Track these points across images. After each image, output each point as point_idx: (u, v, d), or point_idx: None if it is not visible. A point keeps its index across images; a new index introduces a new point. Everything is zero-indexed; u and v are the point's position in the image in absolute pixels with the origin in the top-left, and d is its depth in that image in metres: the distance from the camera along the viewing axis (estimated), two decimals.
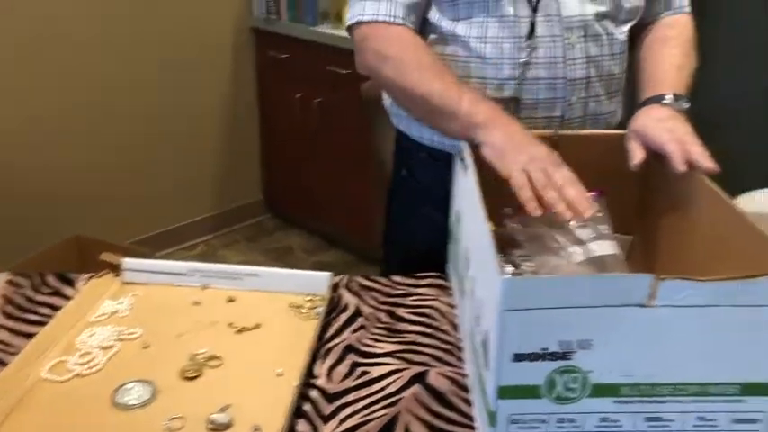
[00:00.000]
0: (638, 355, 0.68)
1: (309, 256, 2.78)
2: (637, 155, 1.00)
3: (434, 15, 1.15)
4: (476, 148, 0.99)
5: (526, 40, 1.11)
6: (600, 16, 1.13)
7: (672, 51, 1.18)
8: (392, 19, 1.11)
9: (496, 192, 0.92)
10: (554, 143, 1.03)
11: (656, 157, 0.99)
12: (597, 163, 1.04)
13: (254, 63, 2.82)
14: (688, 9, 1.26)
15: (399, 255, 1.38)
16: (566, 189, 0.90)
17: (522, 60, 1.11)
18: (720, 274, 0.66)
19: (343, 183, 2.63)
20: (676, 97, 1.08)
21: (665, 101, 1.08)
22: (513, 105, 1.13)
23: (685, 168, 0.94)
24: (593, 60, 1.14)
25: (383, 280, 1.10)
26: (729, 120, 2.92)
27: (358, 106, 1.71)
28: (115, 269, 1.08)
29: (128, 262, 1.08)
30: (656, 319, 0.66)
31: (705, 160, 0.93)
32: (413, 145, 1.26)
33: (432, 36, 1.17)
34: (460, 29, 1.13)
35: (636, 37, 1.23)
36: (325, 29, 2.50)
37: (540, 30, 1.11)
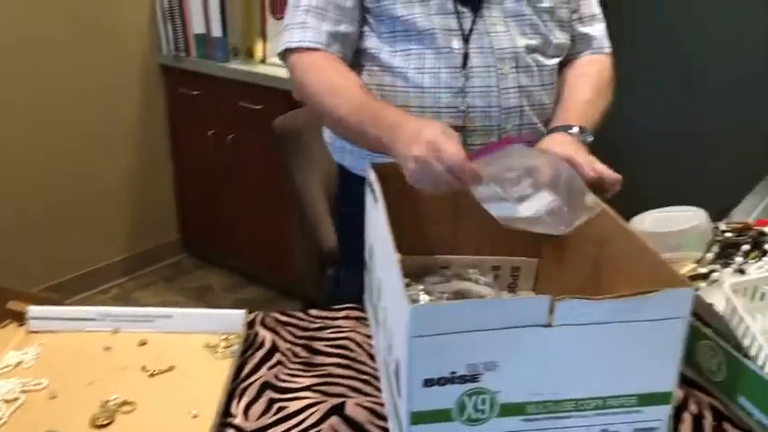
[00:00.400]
0: (541, 374, 0.71)
1: (230, 294, 2.74)
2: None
3: (374, 47, 1.20)
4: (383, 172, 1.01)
5: (461, 71, 1.16)
6: (530, 49, 1.20)
7: (585, 87, 1.26)
8: (315, 45, 1.17)
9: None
10: None
11: None
12: None
13: (165, 101, 2.79)
14: (608, 50, 1.34)
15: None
16: (451, 165, 0.93)
17: (458, 90, 1.16)
18: (619, 291, 0.70)
19: (260, 219, 2.61)
20: (581, 129, 1.15)
21: (571, 131, 1.15)
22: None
23: (594, 175, 1.01)
24: (525, 90, 1.20)
25: (300, 314, 1.10)
26: (627, 146, 3.08)
27: (272, 141, 1.71)
28: (19, 318, 1.04)
29: (33, 310, 1.04)
30: (555, 338, 0.69)
31: (610, 173, 1.01)
32: (356, 180, 1.24)
33: (373, 67, 1.21)
34: (399, 60, 1.18)
35: (560, 73, 1.30)
36: (236, 65, 2.50)
37: (474, 61, 1.17)
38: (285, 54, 1.20)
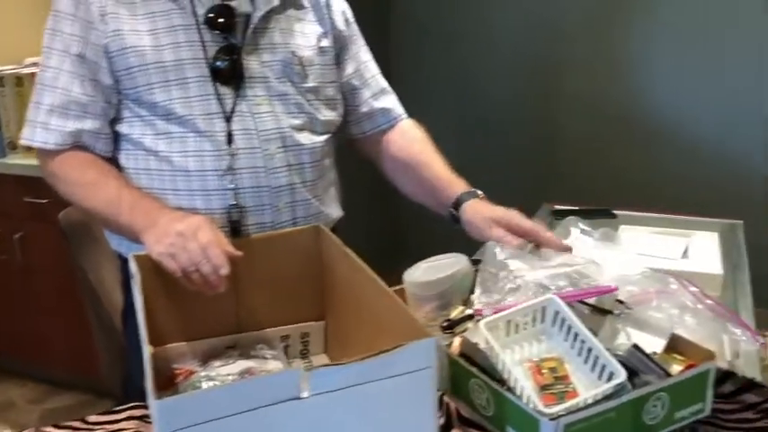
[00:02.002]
0: None
1: (37, 406, 2.50)
2: (513, 241, 1.14)
3: (137, 132, 1.18)
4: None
5: (226, 153, 1.16)
6: (297, 128, 1.22)
7: (432, 155, 1.35)
8: (60, 147, 1.16)
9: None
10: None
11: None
12: (279, 260, 1.11)
13: None
14: (405, 116, 1.42)
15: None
16: (208, 253, 0.98)
17: (224, 171, 1.16)
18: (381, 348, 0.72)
19: (61, 320, 2.43)
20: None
21: (478, 194, 1.26)
22: (222, 214, 1.17)
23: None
24: (294, 168, 1.22)
25: (77, 423, 1.03)
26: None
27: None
28: None
29: None
30: (312, 409, 0.70)
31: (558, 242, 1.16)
32: None
33: (137, 152, 1.19)
34: (162, 145, 1.16)
35: (372, 150, 1.40)
36: (16, 159, 2.36)
37: (239, 143, 1.17)
38: (36, 149, 1.19)
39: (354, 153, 1.43)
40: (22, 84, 2.32)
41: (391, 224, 3.29)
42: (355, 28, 1.39)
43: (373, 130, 1.39)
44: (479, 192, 1.27)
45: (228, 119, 1.17)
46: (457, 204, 1.26)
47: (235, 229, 1.17)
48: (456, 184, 1.29)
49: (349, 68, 1.35)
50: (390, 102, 1.41)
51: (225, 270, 0.99)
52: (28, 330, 2.54)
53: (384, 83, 1.41)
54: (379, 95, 1.39)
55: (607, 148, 2.87)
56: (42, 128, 1.16)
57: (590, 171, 2.91)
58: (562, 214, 1.82)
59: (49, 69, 1.16)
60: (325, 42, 1.29)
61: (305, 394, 0.69)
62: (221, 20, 1.15)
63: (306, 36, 1.26)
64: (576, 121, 2.89)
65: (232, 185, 1.17)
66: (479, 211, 1.22)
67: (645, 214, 1.84)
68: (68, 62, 1.15)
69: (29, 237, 2.40)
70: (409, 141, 1.38)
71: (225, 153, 1.17)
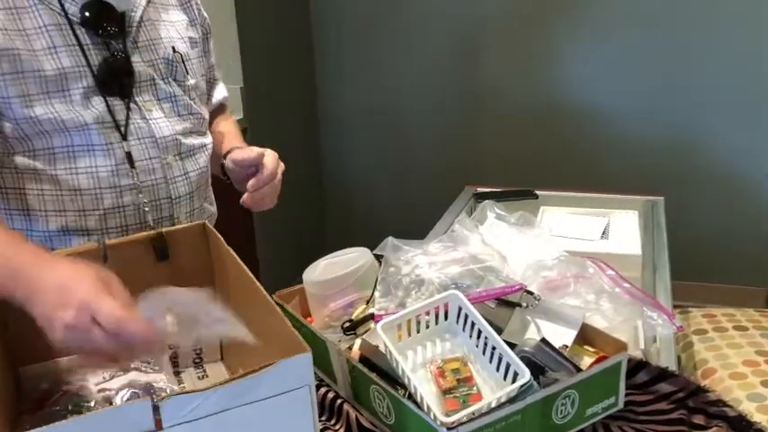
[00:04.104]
0: None
1: None
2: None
3: (8, 149, 1.01)
4: None
5: (124, 167, 1.04)
6: (187, 132, 1.12)
7: (227, 127, 1.30)
8: None
9: None
10: (103, 256, 0.97)
11: None
12: (164, 260, 1.02)
13: None
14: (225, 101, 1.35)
15: None
16: (116, 342, 0.75)
17: (121, 188, 1.04)
18: (269, 360, 0.64)
19: None
20: None
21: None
22: (119, 233, 1.06)
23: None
24: (191, 176, 1.12)
25: None
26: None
27: None
28: None
29: None
30: None
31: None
32: None
33: (14, 174, 1.03)
34: (43, 163, 1.01)
35: None
36: None
37: (136, 154, 1.05)
38: None
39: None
40: None
41: (312, 218, 3.21)
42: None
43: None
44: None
45: (123, 132, 1.04)
46: (226, 156, 1.20)
47: None
48: (234, 142, 1.24)
49: (212, 60, 1.28)
50: (222, 92, 1.34)
51: (153, 350, 0.83)
52: None
53: (218, 72, 1.34)
54: (216, 86, 1.33)
55: (528, 128, 2.84)
56: None
57: (512, 153, 2.88)
58: (483, 197, 1.77)
59: None
60: (193, 33, 1.19)
61: (163, 426, 0.60)
62: (99, 18, 1.01)
63: (176, 26, 1.15)
64: (498, 103, 2.85)
65: (130, 201, 1.06)
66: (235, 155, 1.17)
67: (566, 193, 1.80)
68: None
69: None
70: (220, 124, 1.32)
71: (122, 167, 1.04)
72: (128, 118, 1.05)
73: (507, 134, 2.87)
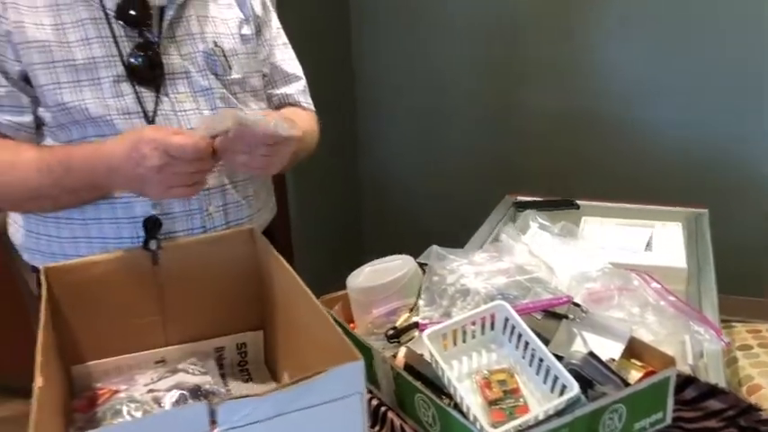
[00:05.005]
0: None
1: None
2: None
3: (46, 141, 1.08)
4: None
5: None
6: None
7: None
8: None
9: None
10: (154, 259, 1.00)
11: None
12: (210, 266, 1.03)
13: None
14: (307, 106, 1.34)
15: None
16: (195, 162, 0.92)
17: None
18: (317, 367, 0.65)
19: (8, 325, 2.32)
20: None
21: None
22: (150, 221, 1.07)
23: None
24: (225, 168, 1.13)
25: None
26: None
27: None
28: None
29: None
30: None
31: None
32: None
33: None
34: None
35: None
36: None
37: None
38: None
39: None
40: None
41: (349, 218, 3.22)
42: (271, 12, 1.31)
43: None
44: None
45: (151, 120, 1.07)
46: None
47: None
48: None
49: (261, 55, 1.27)
50: (294, 88, 1.34)
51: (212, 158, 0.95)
52: None
53: (294, 69, 1.34)
54: (284, 83, 1.32)
55: (570, 137, 2.81)
56: None
57: (553, 161, 2.85)
58: (524, 206, 1.76)
59: None
60: (247, 30, 1.21)
61: (216, 429, 0.61)
62: (134, 12, 1.06)
63: (226, 23, 1.18)
64: (540, 110, 2.83)
65: None
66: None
67: (608, 204, 1.78)
68: None
69: None
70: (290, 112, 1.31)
71: None
72: (156, 108, 1.08)
73: (547, 142, 2.85)
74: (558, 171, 2.81)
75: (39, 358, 0.71)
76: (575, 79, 2.75)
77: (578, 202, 1.79)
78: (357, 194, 3.20)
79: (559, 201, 1.80)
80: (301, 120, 1.25)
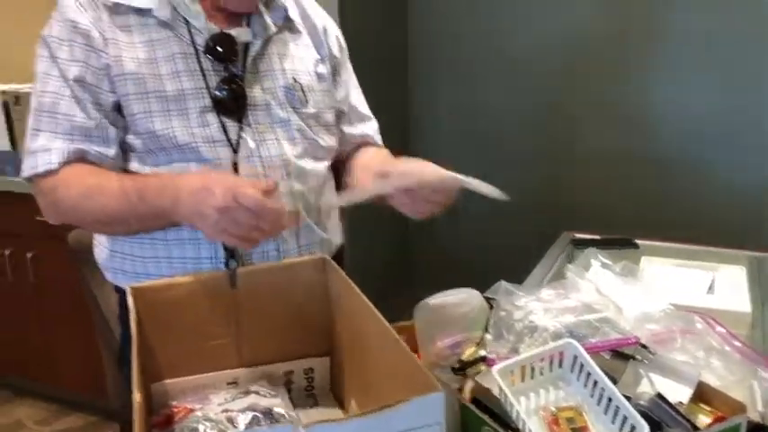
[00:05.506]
0: None
1: (43, 427, 2.48)
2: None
3: (134, 165, 1.14)
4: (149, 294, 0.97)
5: None
6: (299, 155, 1.19)
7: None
8: (61, 163, 1.10)
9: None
10: (232, 282, 1.04)
11: None
12: (284, 291, 1.07)
13: None
14: (381, 145, 1.40)
15: None
16: (260, 214, 0.94)
17: None
18: (390, 395, 0.67)
19: (74, 339, 2.41)
20: None
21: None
22: (223, 248, 1.13)
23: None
24: (298, 194, 1.19)
25: None
26: None
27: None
28: None
29: None
30: None
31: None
32: None
33: None
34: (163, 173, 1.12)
35: (340, 167, 1.35)
36: None
37: (243, 170, 1.13)
38: (33, 181, 1.14)
39: None
40: None
41: (399, 248, 3.24)
42: (346, 54, 1.37)
43: (348, 153, 1.37)
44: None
45: (234, 148, 1.13)
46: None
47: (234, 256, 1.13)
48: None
49: (339, 94, 1.34)
50: (370, 128, 1.40)
51: (286, 219, 0.98)
52: (40, 349, 2.52)
53: (366, 110, 1.40)
54: (360, 122, 1.38)
55: (628, 174, 2.80)
56: (44, 151, 1.11)
57: (611, 198, 2.84)
58: (583, 244, 1.76)
59: (47, 95, 1.11)
60: (323, 69, 1.28)
61: None
62: (221, 48, 1.13)
63: (303, 61, 1.25)
64: (596, 146, 2.83)
65: None
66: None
67: (668, 244, 1.77)
68: (68, 88, 1.11)
69: (40, 256, 2.38)
70: (368, 154, 1.37)
71: None
72: (239, 137, 1.14)
73: (604, 179, 2.84)
74: (615, 210, 2.80)
75: (135, 376, 0.75)
76: (632, 119, 2.74)
77: (637, 241, 1.79)
78: (409, 227, 3.23)
79: (619, 239, 1.80)
80: (384, 158, 1.33)
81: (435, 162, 1.11)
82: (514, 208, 2.95)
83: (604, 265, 1.40)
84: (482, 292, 1.12)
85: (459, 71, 2.97)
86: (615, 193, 2.83)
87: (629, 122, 2.75)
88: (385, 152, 1.38)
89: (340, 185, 1.35)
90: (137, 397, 0.71)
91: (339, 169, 1.37)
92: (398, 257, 3.21)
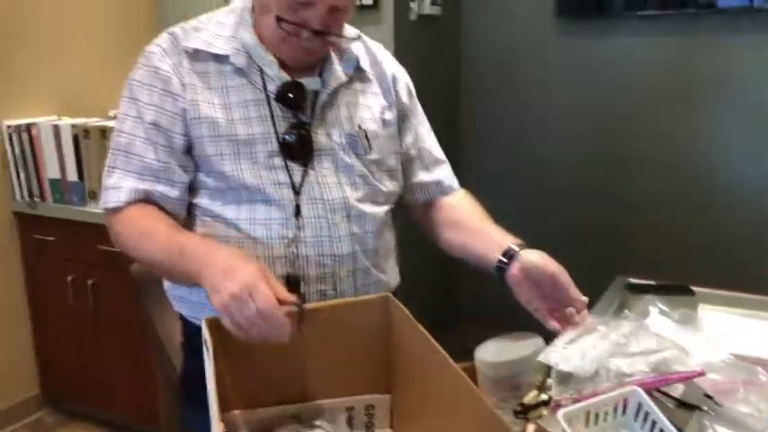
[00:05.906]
0: None
1: None
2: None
3: (204, 201, 1.20)
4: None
5: (293, 222, 1.17)
6: (360, 199, 1.23)
7: (483, 218, 1.33)
8: (128, 201, 1.17)
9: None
10: (299, 317, 1.07)
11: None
12: (348, 328, 1.10)
13: (20, 248, 2.65)
14: (458, 186, 1.42)
15: None
16: (266, 320, 0.95)
17: (289, 240, 1.16)
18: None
19: (127, 366, 2.47)
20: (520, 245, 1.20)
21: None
22: (286, 282, 1.17)
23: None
24: (357, 237, 1.22)
25: None
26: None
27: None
28: None
29: None
30: None
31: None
32: (195, 330, 1.20)
33: (205, 218, 1.20)
34: (230, 212, 1.18)
35: (423, 217, 1.39)
36: (94, 208, 2.44)
37: (305, 211, 1.18)
38: (107, 215, 1.21)
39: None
40: (106, 136, 2.39)
41: (447, 290, 3.25)
42: (416, 100, 1.41)
43: (425, 199, 1.40)
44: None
45: (298, 192, 1.18)
46: (508, 254, 1.19)
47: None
48: (506, 236, 1.24)
49: (407, 139, 1.37)
50: (444, 173, 1.41)
51: (284, 338, 0.97)
52: (96, 374, 2.58)
53: (439, 154, 1.42)
54: (434, 167, 1.40)
55: (683, 218, 2.78)
56: (115, 189, 1.18)
57: (665, 243, 2.81)
58: (638, 289, 1.75)
59: (124, 135, 1.19)
60: (389, 115, 1.31)
61: None
62: (291, 96, 1.18)
63: (370, 109, 1.29)
64: (650, 190, 2.82)
65: (296, 254, 1.17)
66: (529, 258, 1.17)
67: (726, 293, 1.74)
68: (143, 130, 1.18)
69: (101, 284, 2.46)
70: (459, 207, 1.37)
71: (292, 222, 1.17)
72: (303, 180, 1.18)
73: (656, 223, 2.82)
74: (669, 255, 2.77)
75: (214, 407, 0.78)
76: (684, 166, 2.73)
77: (693, 288, 1.77)
78: (458, 267, 3.23)
79: (675, 286, 1.78)
80: (471, 206, 1.36)
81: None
82: (570, 252, 2.96)
83: (663, 312, 1.39)
84: None
85: (508, 114, 3.01)
86: (669, 239, 2.80)
87: (678, 170, 2.74)
88: (479, 211, 1.36)
89: (414, 228, 1.39)
90: (219, 426, 0.74)
91: (412, 214, 1.42)
92: (447, 301, 3.22)
